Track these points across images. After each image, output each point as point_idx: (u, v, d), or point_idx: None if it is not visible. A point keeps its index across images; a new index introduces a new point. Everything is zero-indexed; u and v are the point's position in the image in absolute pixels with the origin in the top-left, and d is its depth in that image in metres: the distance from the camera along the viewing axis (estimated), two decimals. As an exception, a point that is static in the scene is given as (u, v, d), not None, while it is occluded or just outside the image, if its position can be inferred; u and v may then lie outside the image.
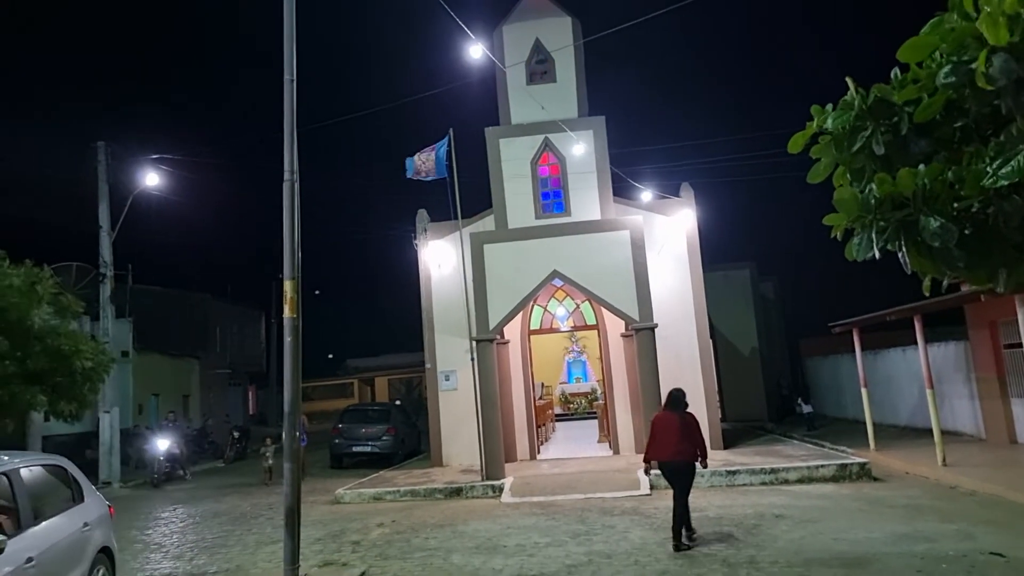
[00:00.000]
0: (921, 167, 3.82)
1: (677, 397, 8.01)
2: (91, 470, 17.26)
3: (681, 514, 7.60)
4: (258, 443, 23.91)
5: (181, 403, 26.59)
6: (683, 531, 7.63)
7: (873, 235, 3.93)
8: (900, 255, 4.03)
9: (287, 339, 4.76)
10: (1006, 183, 3.70)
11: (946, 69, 3.86)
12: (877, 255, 3.95)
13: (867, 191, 4.07)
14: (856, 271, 4.15)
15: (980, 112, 4.05)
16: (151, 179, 17.46)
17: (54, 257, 17.34)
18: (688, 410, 7.99)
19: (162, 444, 16.54)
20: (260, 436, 26.11)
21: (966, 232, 4.00)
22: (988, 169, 3.77)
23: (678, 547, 7.49)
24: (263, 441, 16.05)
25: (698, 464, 7.77)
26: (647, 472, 8.14)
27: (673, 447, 7.64)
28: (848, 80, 4.22)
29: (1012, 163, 3.73)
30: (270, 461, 15.11)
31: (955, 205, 3.97)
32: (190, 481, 17.05)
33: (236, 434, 22.10)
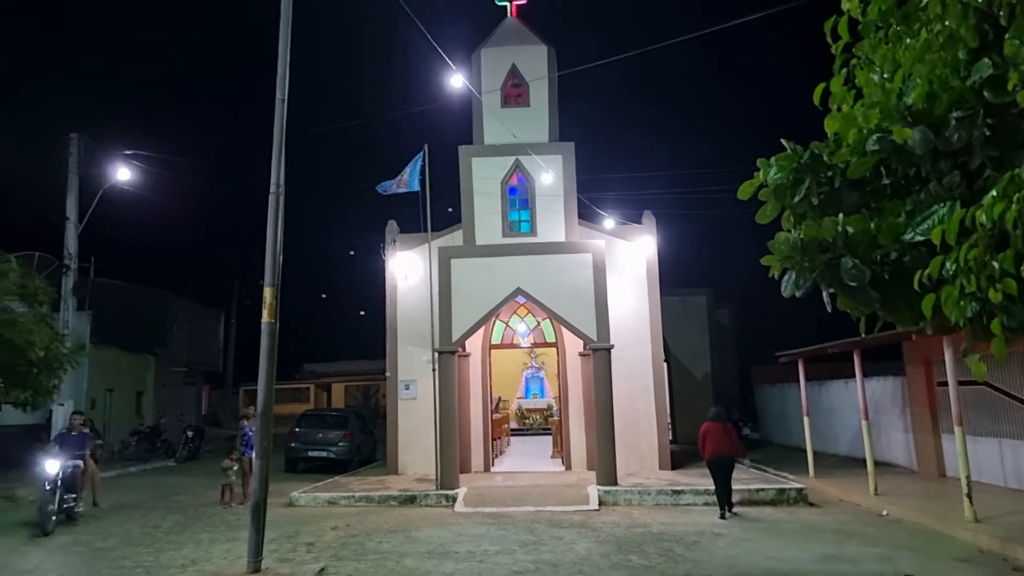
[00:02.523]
0: (840, 216, 4.32)
1: (719, 413, 11.14)
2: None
3: (722, 492, 10.66)
4: (211, 444, 23.70)
5: (135, 400, 26.14)
6: (726, 506, 10.59)
7: (795, 275, 4.43)
8: (825, 295, 4.53)
9: (263, 342, 5.01)
10: (921, 238, 4.21)
11: (874, 138, 4.40)
12: (798, 294, 4.43)
13: (796, 235, 4.56)
14: (810, 304, 4.64)
15: (905, 172, 4.60)
16: (123, 174, 17.42)
17: (14, 246, 17.13)
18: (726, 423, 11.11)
19: (51, 467, 10.36)
20: (213, 437, 25.86)
21: (885, 276, 4.52)
22: (908, 223, 4.29)
23: (724, 516, 10.45)
24: (227, 453, 13.36)
25: (737, 459, 11.04)
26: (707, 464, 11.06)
27: (718, 447, 10.66)
28: (784, 141, 4.75)
29: (929, 221, 4.22)
30: (232, 478, 12.93)
31: (878, 251, 4.48)
32: (97, 514, 11.57)
33: (190, 433, 21.86)
